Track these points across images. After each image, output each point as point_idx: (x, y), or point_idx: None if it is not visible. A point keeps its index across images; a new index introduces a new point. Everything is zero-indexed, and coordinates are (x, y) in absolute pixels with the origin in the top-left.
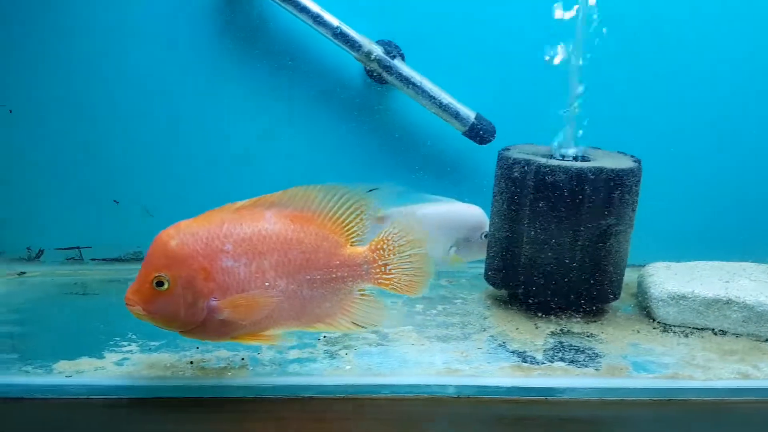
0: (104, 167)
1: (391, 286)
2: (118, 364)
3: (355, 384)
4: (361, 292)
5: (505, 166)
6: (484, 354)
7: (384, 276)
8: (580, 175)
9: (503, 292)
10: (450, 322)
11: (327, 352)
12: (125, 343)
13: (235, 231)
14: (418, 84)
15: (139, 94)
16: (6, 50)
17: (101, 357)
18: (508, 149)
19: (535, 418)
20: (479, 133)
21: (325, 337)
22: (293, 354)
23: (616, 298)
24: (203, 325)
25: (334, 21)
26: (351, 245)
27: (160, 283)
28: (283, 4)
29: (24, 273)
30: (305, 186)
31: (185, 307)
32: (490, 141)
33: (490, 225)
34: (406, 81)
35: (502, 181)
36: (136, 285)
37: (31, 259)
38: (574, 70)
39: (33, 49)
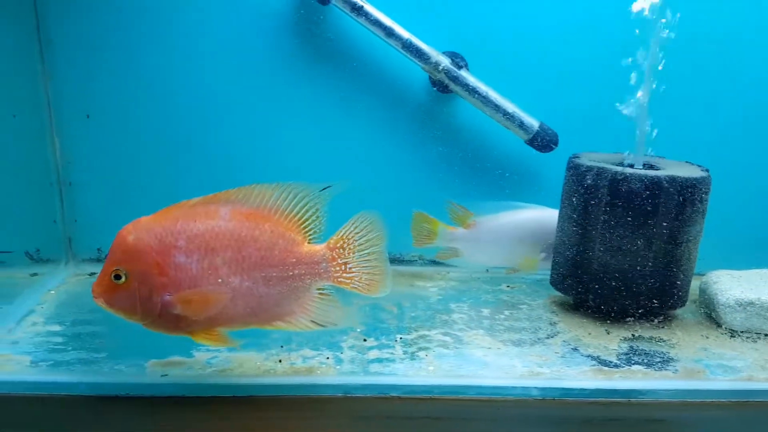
0: (175, 171)
1: (352, 285)
2: (209, 362)
3: (441, 385)
4: (320, 291)
5: (576, 174)
6: (561, 358)
7: (344, 275)
8: (655, 184)
9: (568, 298)
10: (520, 326)
11: (406, 353)
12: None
13: (188, 227)
14: (484, 93)
15: (215, 103)
16: (87, 58)
17: (190, 356)
18: (578, 157)
19: (622, 419)
20: (542, 141)
21: (401, 338)
22: (373, 354)
23: (683, 304)
24: (160, 318)
25: (404, 33)
26: (308, 243)
27: (117, 277)
28: (356, 18)
29: (94, 273)
30: (261, 184)
31: (141, 301)
32: (552, 149)
33: (558, 231)
34: (472, 91)
35: (572, 188)
36: (99, 277)
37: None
38: (646, 76)
39: (116, 56)
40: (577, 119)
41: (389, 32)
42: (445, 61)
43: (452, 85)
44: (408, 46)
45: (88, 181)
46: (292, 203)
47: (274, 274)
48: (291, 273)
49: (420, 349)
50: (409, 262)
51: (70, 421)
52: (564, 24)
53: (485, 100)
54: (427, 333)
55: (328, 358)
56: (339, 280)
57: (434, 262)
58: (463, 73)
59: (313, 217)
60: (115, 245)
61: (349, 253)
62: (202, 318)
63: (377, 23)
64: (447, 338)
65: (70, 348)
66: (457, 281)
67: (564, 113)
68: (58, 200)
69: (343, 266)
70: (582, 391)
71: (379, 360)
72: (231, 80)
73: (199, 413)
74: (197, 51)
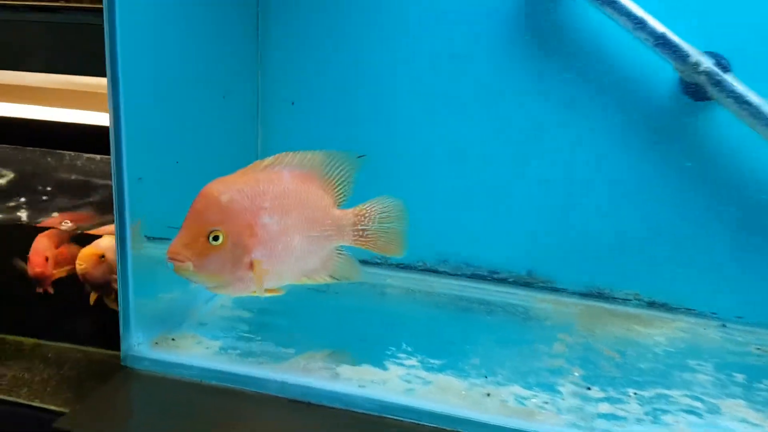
0: (373, 168)
1: (366, 246)
2: (405, 380)
3: None
4: (338, 250)
5: None
6: None
7: (360, 238)
8: None
9: None
10: None
11: (647, 414)
12: (403, 355)
13: (269, 189)
14: (755, 105)
15: (427, 101)
16: (296, 49)
17: (384, 368)
18: None
19: None
20: None
21: (636, 394)
22: (603, 408)
23: None
24: (240, 280)
25: (659, 27)
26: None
27: (216, 237)
28: (600, 7)
29: None
30: (311, 151)
31: (232, 263)
32: None
33: None
34: (741, 100)
35: None
36: (186, 239)
37: None
38: None
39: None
40: None
41: (640, 24)
42: (707, 62)
43: (713, 92)
44: (662, 42)
45: None
46: (333, 168)
47: (316, 234)
48: (326, 233)
49: (662, 411)
50: (623, 301)
51: (254, 419)
52: None
53: (757, 113)
54: (666, 392)
55: (546, 402)
56: (355, 241)
57: (652, 304)
58: (729, 78)
59: (346, 183)
60: (207, 205)
61: (369, 222)
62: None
63: (627, 13)
64: (696, 403)
65: (258, 338)
66: (685, 332)
67: None
68: None
69: (361, 232)
70: None
71: (613, 417)
72: (446, 83)
73: None
74: (411, 51)
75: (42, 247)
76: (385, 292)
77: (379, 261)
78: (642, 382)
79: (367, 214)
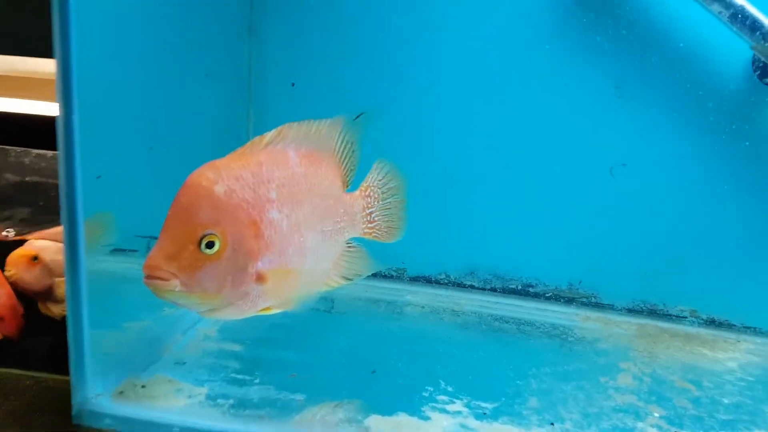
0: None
1: (374, 235)
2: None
3: None
4: (348, 244)
5: None
6: None
7: (368, 225)
8: None
9: None
10: None
11: None
12: (444, 398)
13: (275, 175)
14: None
15: (472, 94)
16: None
17: (425, 417)
18: None
19: None
20: None
21: None
22: None
23: None
24: (244, 297)
25: None
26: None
27: (210, 244)
28: None
29: None
30: (310, 121)
31: (233, 275)
32: None
33: None
34: None
35: None
36: (169, 248)
37: None
38: None
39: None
40: None
41: None
42: None
43: None
44: (740, 16)
45: None
46: (339, 141)
47: (329, 227)
48: (339, 225)
49: None
50: (677, 318)
51: None
52: None
53: None
54: None
55: None
56: (364, 231)
57: (711, 322)
58: None
59: (352, 157)
60: (196, 199)
61: (374, 202)
62: (285, 295)
63: None
64: None
65: (255, 380)
66: (756, 355)
67: None
68: None
69: (368, 216)
70: None
71: None
72: (493, 74)
73: None
74: (459, 43)
75: None
76: (404, 311)
77: (394, 274)
78: (733, 423)
79: (372, 194)
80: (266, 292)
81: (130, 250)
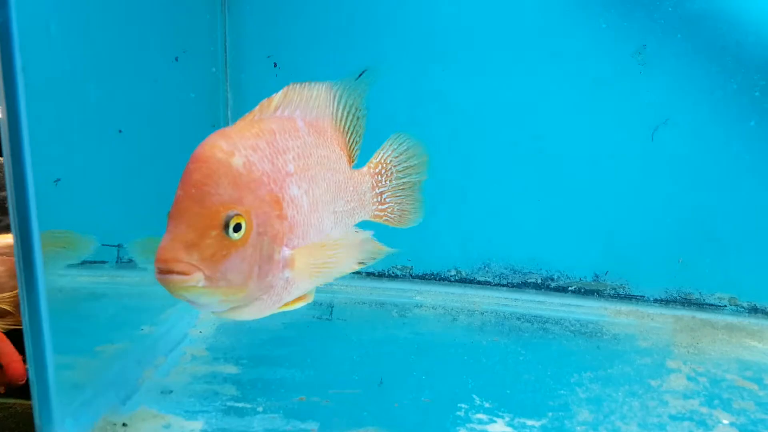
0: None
1: (384, 218)
2: None
3: None
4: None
5: None
6: None
7: (379, 207)
8: None
9: None
10: None
11: None
12: (483, 416)
13: (290, 145)
14: None
15: (513, 105)
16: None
17: None
18: None
19: None
20: None
21: None
22: None
23: None
24: (270, 290)
25: None
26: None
27: (237, 227)
28: None
29: None
30: (311, 83)
31: (261, 264)
32: None
33: None
34: None
35: None
36: (188, 235)
37: None
38: None
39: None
40: None
41: None
42: None
43: None
44: None
45: None
46: (342, 108)
47: (341, 208)
48: (350, 206)
49: None
50: (716, 308)
51: None
52: None
53: None
54: None
55: None
56: (375, 213)
57: (753, 310)
58: None
59: (358, 125)
60: (213, 174)
61: (386, 180)
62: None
63: None
64: None
65: (258, 408)
66: None
67: None
68: None
69: (379, 196)
70: None
71: None
72: (532, 86)
73: None
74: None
75: None
76: (414, 313)
77: (399, 273)
78: None
79: (384, 171)
80: (291, 282)
81: (94, 263)
